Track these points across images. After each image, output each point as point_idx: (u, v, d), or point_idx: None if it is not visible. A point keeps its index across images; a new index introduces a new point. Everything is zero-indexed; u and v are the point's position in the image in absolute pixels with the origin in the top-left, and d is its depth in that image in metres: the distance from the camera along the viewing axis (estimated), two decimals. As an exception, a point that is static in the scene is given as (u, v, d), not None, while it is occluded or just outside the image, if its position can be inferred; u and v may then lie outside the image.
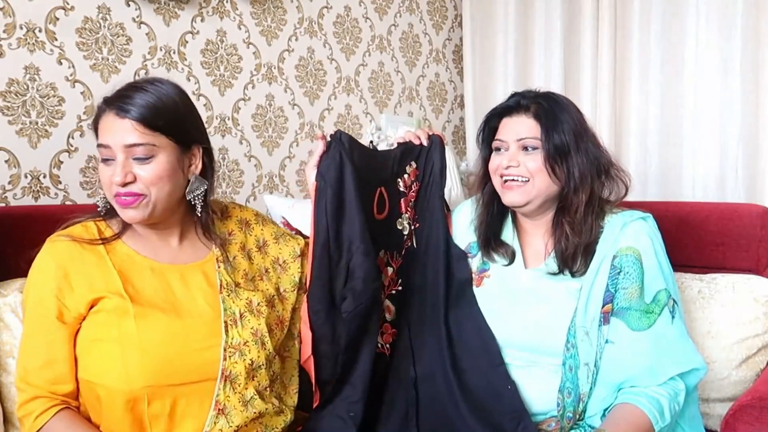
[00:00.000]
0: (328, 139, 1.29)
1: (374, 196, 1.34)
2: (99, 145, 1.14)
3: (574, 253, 1.27)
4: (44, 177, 1.62)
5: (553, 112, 1.29)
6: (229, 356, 1.13)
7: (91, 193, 1.70)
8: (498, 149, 1.34)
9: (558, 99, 1.33)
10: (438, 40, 2.80)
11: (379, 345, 1.32)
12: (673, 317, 1.20)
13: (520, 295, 1.30)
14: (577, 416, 1.18)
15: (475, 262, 1.39)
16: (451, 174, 2.30)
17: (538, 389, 1.22)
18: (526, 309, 1.27)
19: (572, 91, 2.57)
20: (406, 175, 1.38)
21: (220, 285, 1.20)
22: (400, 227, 1.37)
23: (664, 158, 2.39)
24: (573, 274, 1.27)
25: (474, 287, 1.35)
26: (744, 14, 2.17)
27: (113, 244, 1.17)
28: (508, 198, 1.31)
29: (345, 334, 1.22)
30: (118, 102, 1.12)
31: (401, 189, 1.38)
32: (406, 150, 1.38)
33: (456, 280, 1.35)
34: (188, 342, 1.11)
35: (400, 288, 1.36)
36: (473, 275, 1.37)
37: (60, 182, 1.65)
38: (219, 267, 1.22)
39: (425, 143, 1.39)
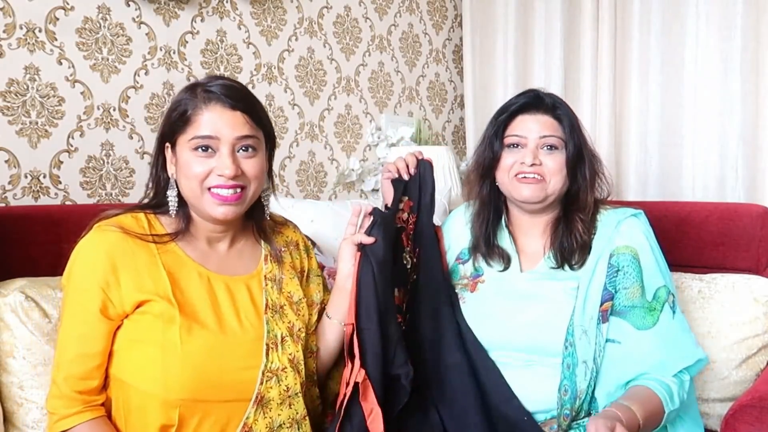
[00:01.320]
0: (370, 218, 1.26)
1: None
2: (198, 137, 1.10)
3: (572, 249, 1.29)
4: (44, 177, 1.62)
5: (569, 113, 1.32)
6: (266, 380, 1.11)
7: (91, 193, 1.70)
8: (514, 145, 1.32)
9: (563, 100, 1.36)
10: (438, 40, 2.80)
11: None
12: (674, 312, 1.22)
13: (516, 297, 1.30)
14: (574, 413, 1.18)
15: (468, 268, 1.38)
16: (451, 174, 2.30)
17: (538, 389, 1.22)
18: (523, 310, 1.28)
19: (572, 91, 2.57)
20: (399, 212, 1.35)
21: (266, 305, 1.17)
22: (404, 262, 1.34)
23: (664, 158, 2.39)
24: (572, 267, 1.28)
25: (468, 293, 1.34)
26: (744, 14, 2.17)
27: (162, 239, 1.14)
28: (524, 193, 1.30)
29: (397, 411, 1.20)
30: (223, 94, 1.11)
31: (399, 225, 1.34)
32: (398, 190, 1.35)
33: (446, 315, 1.31)
34: (229, 360, 1.09)
35: (407, 325, 1.32)
36: (467, 281, 1.37)
37: (60, 182, 1.65)
38: (266, 285, 1.19)
39: (412, 173, 1.34)
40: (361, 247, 1.23)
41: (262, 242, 1.24)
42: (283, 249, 1.26)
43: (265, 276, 1.20)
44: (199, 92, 1.12)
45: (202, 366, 1.07)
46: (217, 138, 1.10)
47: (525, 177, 1.29)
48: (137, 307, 1.09)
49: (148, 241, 1.11)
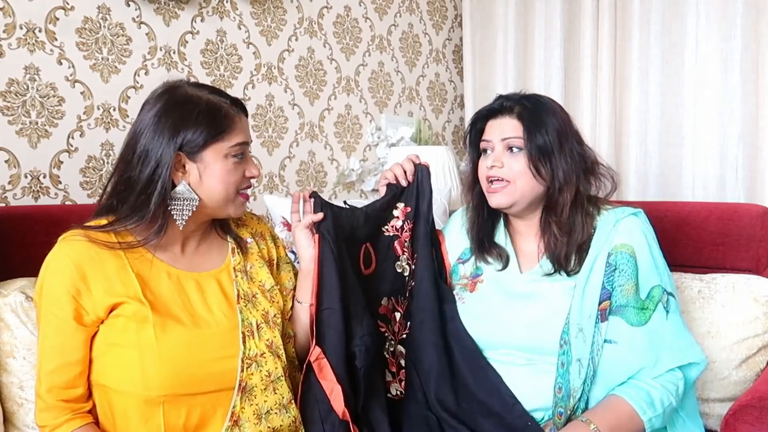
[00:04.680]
0: (311, 200, 1.29)
1: (359, 254, 1.33)
2: (240, 144, 1.16)
3: (566, 253, 1.28)
4: (44, 177, 1.62)
5: (536, 113, 1.30)
6: (246, 367, 1.13)
7: (91, 193, 1.70)
8: (485, 151, 1.34)
9: (542, 100, 1.35)
10: (438, 40, 2.80)
11: (398, 392, 1.32)
12: (667, 312, 1.21)
13: (515, 297, 1.30)
14: (569, 412, 1.18)
15: (468, 268, 1.39)
16: (451, 174, 2.30)
17: (537, 388, 1.22)
18: (522, 309, 1.28)
19: (572, 91, 2.57)
20: (393, 219, 1.36)
21: (238, 295, 1.19)
22: (400, 270, 1.35)
23: (664, 158, 2.39)
24: (568, 274, 1.27)
25: (468, 292, 1.35)
26: (744, 14, 2.17)
27: (130, 244, 1.14)
28: (494, 201, 1.31)
29: (362, 389, 1.22)
30: (238, 102, 1.20)
31: (390, 234, 1.36)
32: (392, 195, 1.36)
33: (445, 320, 1.32)
34: (206, 352, 1.11)
35: (408, 331, 1.33)
36: (466, 280, 1.37)
37: (60, 182, 1.65)
38: (236, 276, 1.22)
39: (410, 179, 1.35)
40: (317, 229, 1.27)
41: (228, 237, 1.27)
42: (249, 240, 1.29)
43: (234, 268, 1.23)
44: (224, 102, 1.16)
45: (180, 361, 1.08)
46: (247, 143, 1.18)
47: (491, 184, 1.31)
48: (110, 311, 1.10)
49: (115, 248, 1.11)
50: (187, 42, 1.90)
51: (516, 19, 2.68)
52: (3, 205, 1.55)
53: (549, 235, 1.31)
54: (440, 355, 1.27)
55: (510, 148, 1.30)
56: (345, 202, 1.34)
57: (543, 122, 1.29)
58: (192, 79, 1.90)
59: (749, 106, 2.18)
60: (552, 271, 1.29)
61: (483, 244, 1.37)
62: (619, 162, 2.48)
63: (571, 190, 1.28)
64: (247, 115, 1.21)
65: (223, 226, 1.27)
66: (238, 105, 1.19)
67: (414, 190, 1.36)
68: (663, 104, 2.38)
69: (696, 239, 1.67)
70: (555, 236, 1.29)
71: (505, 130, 1.31)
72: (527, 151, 1.28)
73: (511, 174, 1.29)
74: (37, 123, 1.60)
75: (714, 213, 1.67)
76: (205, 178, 1.14)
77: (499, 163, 1.30)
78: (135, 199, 1.11)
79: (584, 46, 2.50)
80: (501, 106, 1.34)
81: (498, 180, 1.30)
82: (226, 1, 2.00)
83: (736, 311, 1.50)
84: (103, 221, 1.14)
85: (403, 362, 1.33)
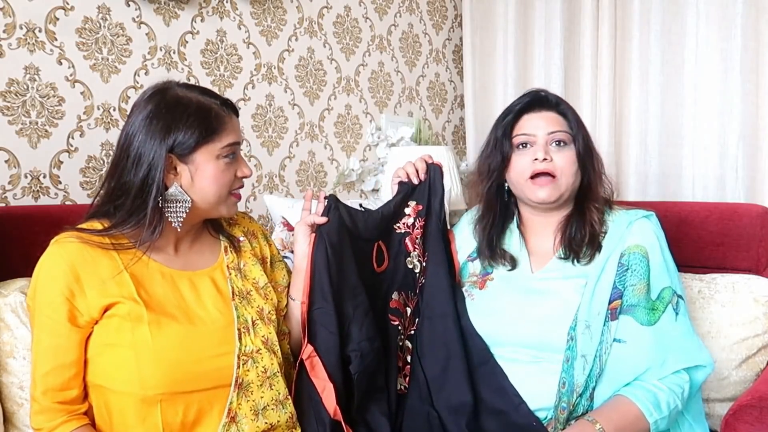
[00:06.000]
0: (324, 202, 1.29)
1: (372, 252, 1.34)
2: (231, 144, 1.17)
3: (584, 240, 1.30)
4: (44, 177, 1.62)
5: (572, 109, 1.34)
6: (242, 364, 1.13)
7: (91, 193, 1.70)
8: (523, 145, 1.32)
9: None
10: (438, 40, 2.80)
11: (402, 387, 1.32)
12: (677, 314, 1.22)
13: (525, 295, 1.31)
14: (572, 408, 1.19)
15: (477, 266, 1.39)
16: (451, 174, 2.30)
17: (543, 386, 1.23)
18: (531, 305, 1.28)
19: (572, 91, 2.57)
20: (405, 217, 1.37)
21: (233, 292, 1.20)
22: (410, 266, 1.36)
23: (664, 158, 2.39)
24: (579, 260, 1.28)
25: (477, 290, 1.35)
26: (744, 14, 2.17)
27: (123, 245, 1.14)
28: (540, 195, 1.30)
29: (356, 392, 1.22)
30: (230, 102, 1.21)
31: (402, 231, 1.37)
32: (404, 193, 1.37)
33: (455, 318, 1.32)
34: (201, 349, 1.11)
35: (416, 327, 1.34)
36: (476, 278, 1.37)
37: (60, 182, 1.65)
38: (230, 274, 1.22)
39: (422, 178, 1.36)
40: (316, 228, 1.27)
41: (220, 236, 1.28)
42: (242, 239, 1.30)
43: (227, 266, 1.23)
44: (213, 104, 1.16)
45: (176, 358, 1.08)
46: (238, 143, 1.18)
47: (539, 176, 1.29)
48: (104, 311, 1.10)
49: (108, 249, 1.11)
50: (187, 42, 1.90)
51: (516, 19, 2.68)
52: (3, 205, 1.55)
53: (583, 221, 1.31)
54: (447, 352, 1.27)
55: (558, 142, 1.30)
56: (360, 205, 1.35)
57: (580, 119, 1.34)
58: (192, 80, 1.91)
59: (749, 106, 2.18)
60: (564, 256, 1.30)
61: (492, 245, 1.37)
62: (619, 162, 2.48)
63: (602, 182, 1.34)
64: (237, 116, 1.21)
65: (215, 225, 1.28)
66: (229, 105, 1.19)
67: (426, 188, 1.37)
68: (663, 104, 2.38)
69: (696, 239, 1.67)
70: (591, 222, 1.30)
71: (550, 123, 1.31)
72: (576, 146, 1.30)
73: (558, 169, 1.29)
74: (37, 123, 1.60)
75: (714, 213, 1.68)
76: (196, 179, 1.14)
77: (549, 156, 1.29)
78: (131, 203, 1.11)
79: (584, 46, 2.50)
80: (541, 99, 1.34)
81: (545, 174, 1.29)
82: (226, 1, 2.00)
83: (736, 311, 1.51)
84: (97, 224, 1.14)
85: (409, 358, 1.33)
